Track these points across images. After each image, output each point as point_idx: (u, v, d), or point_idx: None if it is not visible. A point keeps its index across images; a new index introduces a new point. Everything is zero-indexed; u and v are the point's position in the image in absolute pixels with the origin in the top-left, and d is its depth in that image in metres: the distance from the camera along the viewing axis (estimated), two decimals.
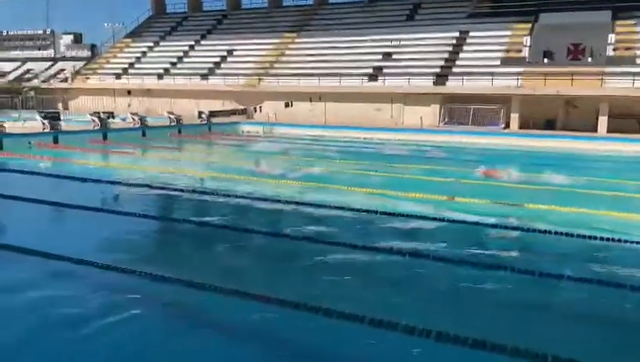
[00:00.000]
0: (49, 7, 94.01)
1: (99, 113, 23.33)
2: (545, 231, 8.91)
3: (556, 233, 8.79)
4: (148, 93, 38.85)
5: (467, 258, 7.60)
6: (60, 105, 43.26)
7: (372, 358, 5.03)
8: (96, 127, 22.12)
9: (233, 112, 31.17)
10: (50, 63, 53.77)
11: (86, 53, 55.05)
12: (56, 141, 20.04)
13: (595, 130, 27.99)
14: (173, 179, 13.66)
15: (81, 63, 48.73)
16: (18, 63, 55.25)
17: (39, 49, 60.34)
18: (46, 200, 10.69)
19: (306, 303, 5.60)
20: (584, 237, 8.58)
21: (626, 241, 8.40)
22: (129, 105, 39.29)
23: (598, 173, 15.97)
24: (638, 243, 8.31)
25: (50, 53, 58.92)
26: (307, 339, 5.38)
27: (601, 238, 8.45)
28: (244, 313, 5.76)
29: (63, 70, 48.99)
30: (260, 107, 31.05)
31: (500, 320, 5.86)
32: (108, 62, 45.38)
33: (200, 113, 28.38)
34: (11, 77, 51.60)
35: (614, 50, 29.77)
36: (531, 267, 7.13)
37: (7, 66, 54.25)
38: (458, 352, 4.85)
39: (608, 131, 27.35)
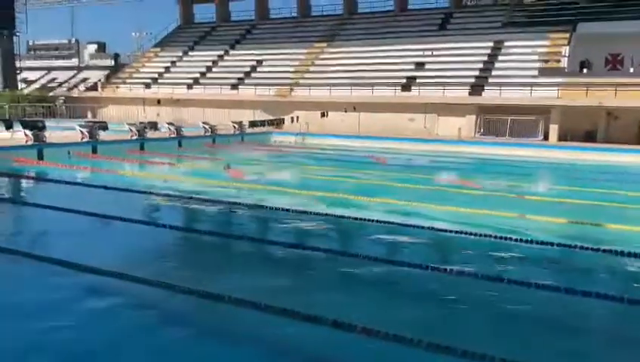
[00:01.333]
0: (74, 17, 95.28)
1: (144, 123, 23.21)
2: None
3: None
4: (177, 102, 38.88)
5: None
6: (89, 115, 43.61)
7: None
8: (133, 137, 21.97)
9: (272, 122, 30.88)
10: (74, 72, 54.26)
11: (109, 62, 55.46)
12: (95, 151, 19.89)
13: (638, 143, 27.15)
14: (209, 190, 13.36)
15: (104, 72, 49.01)
16: (43, 72, 55.85)
17: (64, 58, 61.12)
18: (82, 211, 10.36)
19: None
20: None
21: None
22: (158, 115, 39.38)
23: None
24: None
25: (74, 62, 59.54)
26: None
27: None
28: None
29: (87, 79, 49.41)
30: (298, 117, 30.69)
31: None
32: (137, 72, 45.62)
33: (235, 123, 28.10)
34: (37, 85, 52.17)
35: None
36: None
37: (31, 75, 54.86)
38: None
39: None
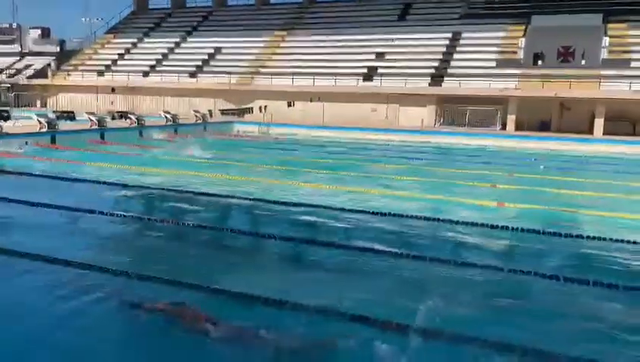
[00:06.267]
0: (15, 1, 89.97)
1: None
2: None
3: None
4: (133, 90, 37.77)
5: None
6: (37, 103, 41.83)
7: None
8: (93, 127, 21.21)
9: (242, 111, 30.43)
10: (16, 59, 51.52)
11: (54, 48, 52.81)
12: (53, 141, 19.10)
13: (589, 132, 28.30)
14: (168, 180, 13.21)
15: (49, 59, 46.78)
16: None
17: (4, 43, 57.80)
18: (40, 203, 9.99)
19: None
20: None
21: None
22: (112, 103, 38.20)
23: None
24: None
25: (16, 48, 56.43)
26: None
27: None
28: None
29: (30, 65, 47.11)
30: (266, 106, 30.31)
31: None
32: (90, 59, 43.99)
33: (197, 112, 27.57)
34: None
35: (609, 52, 30.13)
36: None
37: None
38: None
39: (603, 134, 27.65)
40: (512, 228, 9.06)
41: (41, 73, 43.50)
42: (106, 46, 45.25)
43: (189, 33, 43.96)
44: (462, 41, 34.65)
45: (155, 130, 24.24)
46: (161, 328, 5.31)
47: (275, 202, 10.78)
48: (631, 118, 28.72)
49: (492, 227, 9.08)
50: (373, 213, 9.90)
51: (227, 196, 11.37)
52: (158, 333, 5.25)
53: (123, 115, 23.53)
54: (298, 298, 5.63)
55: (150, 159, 17.23)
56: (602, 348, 4.96)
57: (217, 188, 12.12)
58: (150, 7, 50.01)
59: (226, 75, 35.82)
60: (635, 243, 8.24)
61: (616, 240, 8.39)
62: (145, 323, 5.40)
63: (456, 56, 33.70)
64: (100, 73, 40.90)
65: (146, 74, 39.45)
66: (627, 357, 4.90)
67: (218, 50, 40.40)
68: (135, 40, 44.56)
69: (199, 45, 41.71)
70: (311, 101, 32.17)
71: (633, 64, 28.97)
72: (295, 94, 32.67)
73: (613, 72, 28.72)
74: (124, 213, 9.76)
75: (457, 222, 9.32)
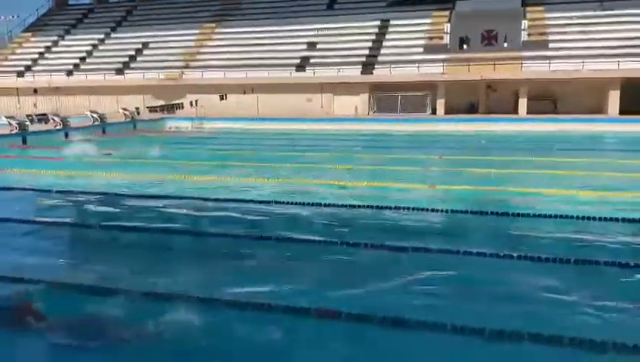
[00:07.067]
0: None
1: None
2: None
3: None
4: (57, 91, 36.11)
5: None
6: None
7: None
8: (13, 131, 20.10)
9: (171, 107, 29.62)
10: None
11: None
12: None
13: (515, 112, 29.57)
14: (94, 182, 12.76)
15: None
16: None
17: None
18: None
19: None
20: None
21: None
22: (35, 105, 36.36)
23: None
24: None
25: None
26: None
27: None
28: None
29: None
30: (197, 100, 29.65)
31: None
32: (7, 59, 41.58)
33: (125, 110, 26.67)
34: None
35: (529, 35, 31.47)
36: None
37: None
38: None
39: (527, 113, 28.96)
40: (442, 210, 9.34)
41: None
42: (24, 45, 42.92)
43: (114, 29, 42.40)
44: (390, 29, 35.21)
45: (81, 131, 23.26)
46: None
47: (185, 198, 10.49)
48: (552, 97, 30.22)
49: (423, 210, 9.32)
50: (303, 203, 9.91)
51: (148, 197, 11.00)
52: None
53: (42, 117, 22.32)
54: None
55: (76, 162, 16.53)
56: (528, 318, 5.20)
57: (143, 189, 11.77)
58: (70, 3, 47.80)
59: (155, 71, 34.86)
60: (560, 217, 8.63)
61: (542, 216, 8.76)
62: None
63: (385, 43, 34.22)
64: (20, 74, 38.81)
65: (70, 73, 37.78)
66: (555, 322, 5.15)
67: (145, 45, 39.20)
68: (56, 38, 42.50)
69: (125, 41, 40.33)
70: (244, 93, 31.84)
71: (551, 45, 30.40)
72: (228, 87, 32.23)
73: (533, 53, 30.05)
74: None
75: (388, 208, 9.49)
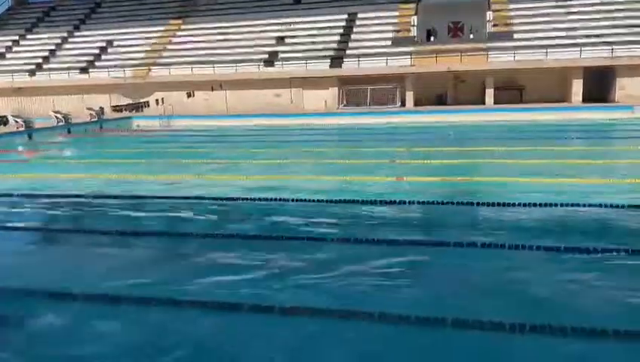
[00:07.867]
0: None
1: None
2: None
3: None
4: (20, 91, 35.15)
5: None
6: None
7: None
8: None
9: (136, 106, 29.12)
10: None
11: None
12: None
13: (482, 103, 29.96)
14: (61, 185, 12.44)
15: None
16: None
17: None
18: None
19: None
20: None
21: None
22: None
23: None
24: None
25: None
26: None
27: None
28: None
29: None
30: (163, 98, 29.20)
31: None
32: None
33: (90, 110, 26.15)
34: None
35: (494, 26, 31.88)
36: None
37: None
38: None
39: (494, 103, 29.38)
40: (409, 202, 9.40)
41: None
42: None
43: (77, 27, 41.46)
44: (358, 22, 35.24)
45: (45, 132, 22.76)
46: None
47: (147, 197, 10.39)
48: (518, 87, 30.73)
49: (390, 202, 9.37)
50: (271, 199, 9.88)
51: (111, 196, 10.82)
52: None
53: (0, 119, 21.73)
54: None
55: (39, 164, 16.16)
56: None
57: (107, 189, 11.58)
58: (31, 0, 46.53)
59: (121, 69, 34.25)
60: (527, 205, 8.78)
61: (509, 204, 8.89)
62: None
63: (353, 37, 34.25)
64: None
65: (32, 73, 36.83)
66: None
67: (110, 42, 38.45)
68: (16, 37, 41.37)
69: (89, 39, 39.50)
70: (212, 90, 31.54)
71: (516, 36, 30.84)
72: (196, 84, 31.86)
73: (499, 44, 30.44)
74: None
75: (355, 201, 9.52)
